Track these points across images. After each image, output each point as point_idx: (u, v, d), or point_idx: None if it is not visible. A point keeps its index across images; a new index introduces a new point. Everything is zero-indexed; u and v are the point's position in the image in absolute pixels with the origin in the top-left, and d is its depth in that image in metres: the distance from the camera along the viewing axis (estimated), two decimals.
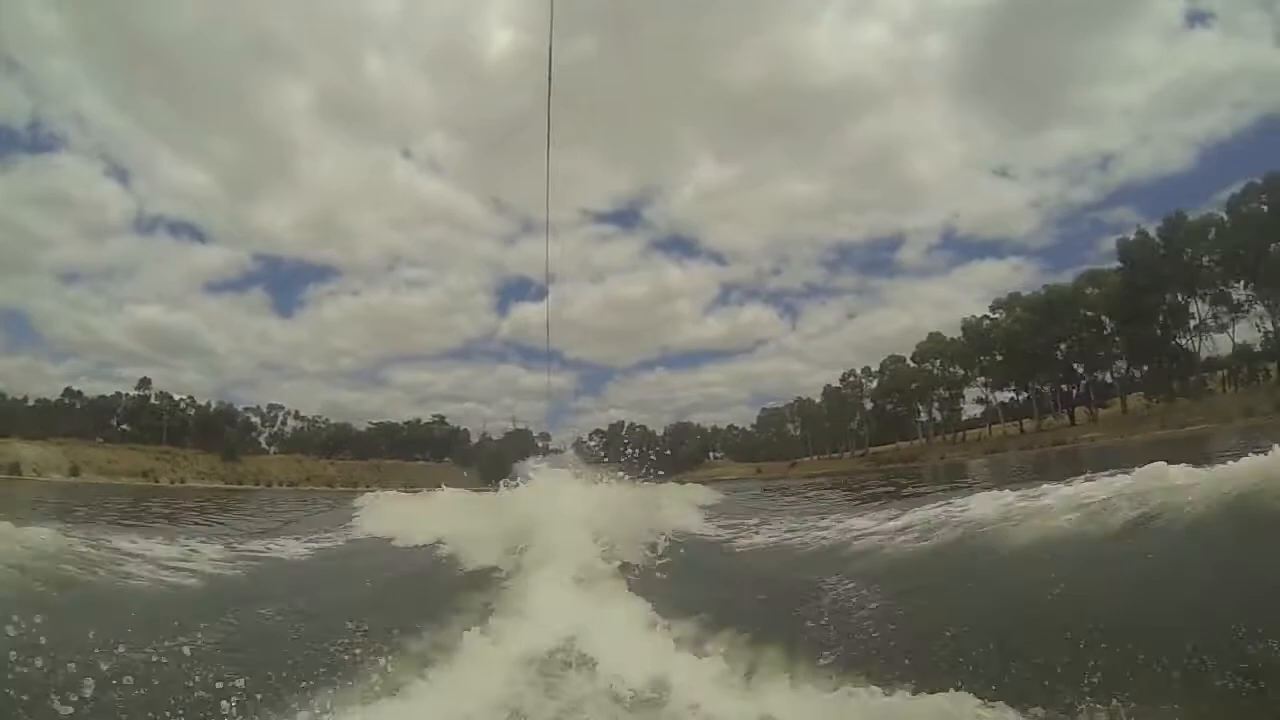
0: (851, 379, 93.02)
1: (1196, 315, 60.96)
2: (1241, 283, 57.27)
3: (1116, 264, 66.01)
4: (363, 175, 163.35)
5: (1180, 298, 59.90)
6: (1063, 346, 68.00)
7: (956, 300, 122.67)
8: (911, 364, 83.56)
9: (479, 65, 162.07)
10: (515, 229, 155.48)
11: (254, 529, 18.78)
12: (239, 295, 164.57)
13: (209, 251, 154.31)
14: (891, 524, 10.11)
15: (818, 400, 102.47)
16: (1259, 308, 58.15)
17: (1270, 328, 57.39)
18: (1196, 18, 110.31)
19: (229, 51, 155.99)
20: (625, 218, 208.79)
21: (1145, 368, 64.14)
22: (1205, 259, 57.44)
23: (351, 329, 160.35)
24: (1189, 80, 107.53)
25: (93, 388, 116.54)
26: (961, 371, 80.00)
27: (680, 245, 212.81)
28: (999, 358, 73.79)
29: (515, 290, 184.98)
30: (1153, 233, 61.75)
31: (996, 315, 74.53)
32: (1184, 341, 61.71)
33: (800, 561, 9.63)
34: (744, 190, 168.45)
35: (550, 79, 9.96)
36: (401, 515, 16.70)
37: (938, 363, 79.62)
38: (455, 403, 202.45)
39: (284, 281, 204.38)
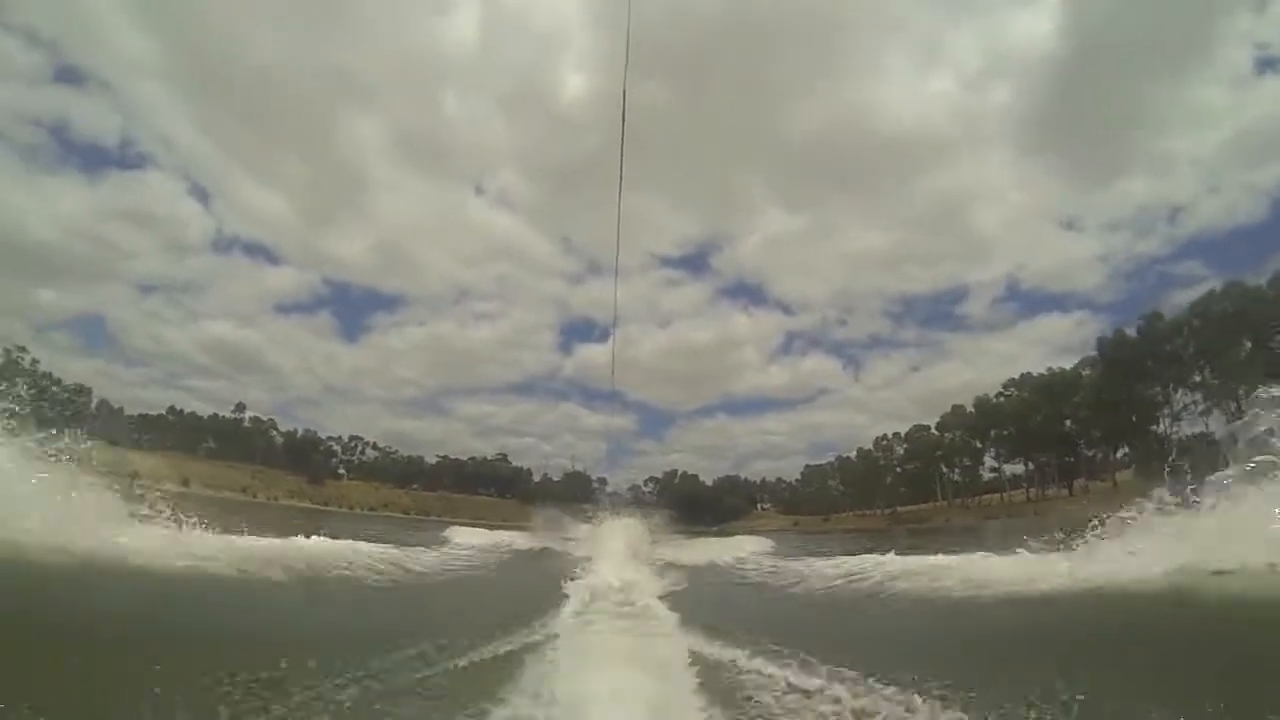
0: (884, 443, 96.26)
1: (1171, 405, 63.32)
2: (1206, 374, 59.79)
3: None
4: (435, 209, 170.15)
5: (1160, 389, 62.54)
6: (1068, 424, 70.01)
7: (1021, 355, 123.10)
8: (935, 433, 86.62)
9: (552, 106, 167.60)
10: (582, 269, 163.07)
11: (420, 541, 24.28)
12: (307, 317, 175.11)
13: (281, 273, 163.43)
14: (832, 567, 15.01)
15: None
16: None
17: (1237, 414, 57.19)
18: (1266, 64, 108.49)
19: (310, 84, 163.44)
20: (693, 263, 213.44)
21: (1124, 449, 66.66)
22: (1183, 350, 59.98)
23: (416, 358, 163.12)
24: (1259, 128, 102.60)
25: (163, 397, 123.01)
26: (979, 443, 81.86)
27: (747, 293, 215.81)
28: (1006, 433, 76.10)
29: (580, 330, 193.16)
30: (1134, 330, 64.21)
31: (1009, 393, 77.10)
32: (1160, 427, 63.97)
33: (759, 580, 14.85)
34: (811, 240, 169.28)
35: (624, 123, 11.16)
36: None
37: (958, 433, 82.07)
38: (515, 437, 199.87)
39: (352, 307, 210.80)
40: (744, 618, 9.10)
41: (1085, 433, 66.23)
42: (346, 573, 10.96)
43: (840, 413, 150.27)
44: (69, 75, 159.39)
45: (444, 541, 22.67)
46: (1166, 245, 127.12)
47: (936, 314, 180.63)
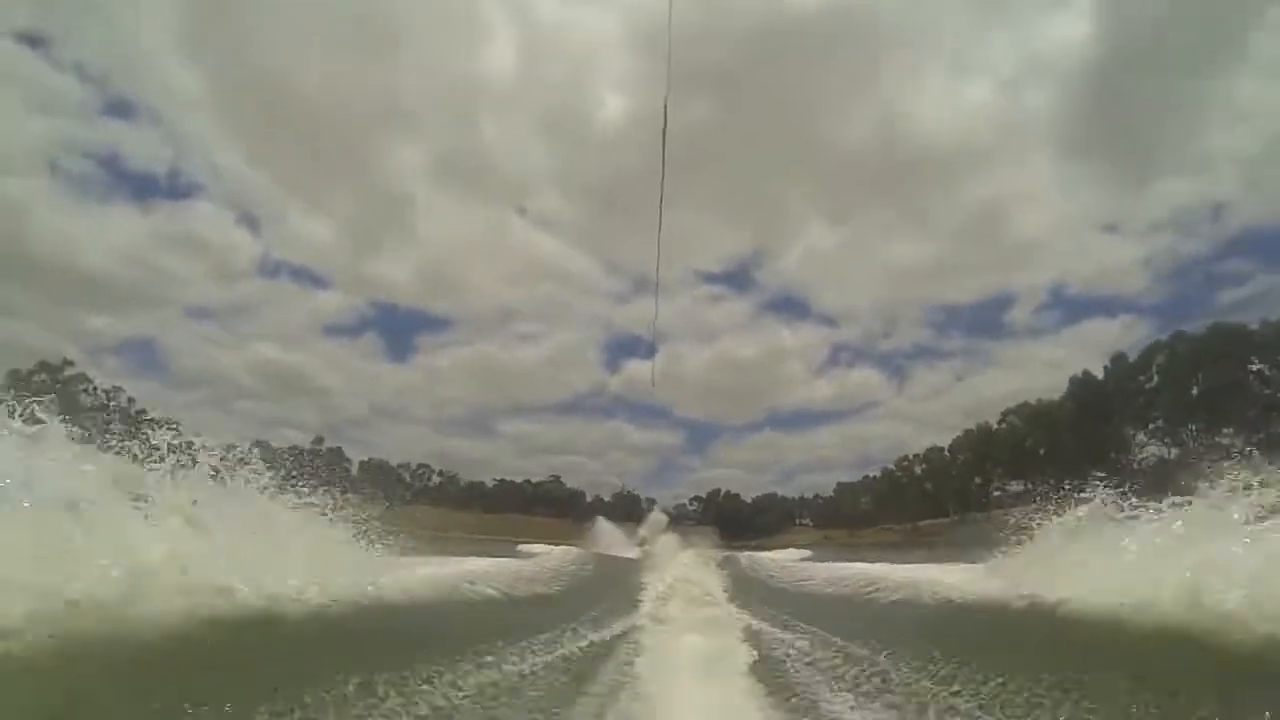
0: (904, 463, 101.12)
1: (1128, 440, 67.88)
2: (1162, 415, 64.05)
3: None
4: (478, 231, 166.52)
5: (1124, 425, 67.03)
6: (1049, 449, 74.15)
7: (1067, 361, 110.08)
8: (947, 454, 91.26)
9: (592, 127, 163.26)
10: (627, 287, 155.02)
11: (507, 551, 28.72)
12: (353, 339, 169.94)
13: (328, 297, 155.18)
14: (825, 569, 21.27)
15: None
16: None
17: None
18: None
19: (354, 113, 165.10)
20: (737, 278, 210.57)
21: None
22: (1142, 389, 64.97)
23: (462, 378, 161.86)
24: None
25: (213, 419, 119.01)
26: (986, 465, 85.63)
27: (791, 306, 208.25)
28: (1005, 456, 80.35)
29: (626, 347, 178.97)
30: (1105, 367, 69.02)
31: (1008, 420, 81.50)
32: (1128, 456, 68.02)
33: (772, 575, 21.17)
34: (853, 252, 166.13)
35: (664, 143, 11.81)
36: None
37: (967, 455, 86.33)
38: (561, 455, 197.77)
39: (398, 329, 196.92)
40: (762, 599, 14.46)
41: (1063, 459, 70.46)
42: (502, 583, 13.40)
43: (887, 424, 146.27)
44: (119, 109, 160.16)
45: (530, 555, 26.38)
46: (1210, 244, 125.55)
47: (980, 322, 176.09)
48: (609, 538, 58.18)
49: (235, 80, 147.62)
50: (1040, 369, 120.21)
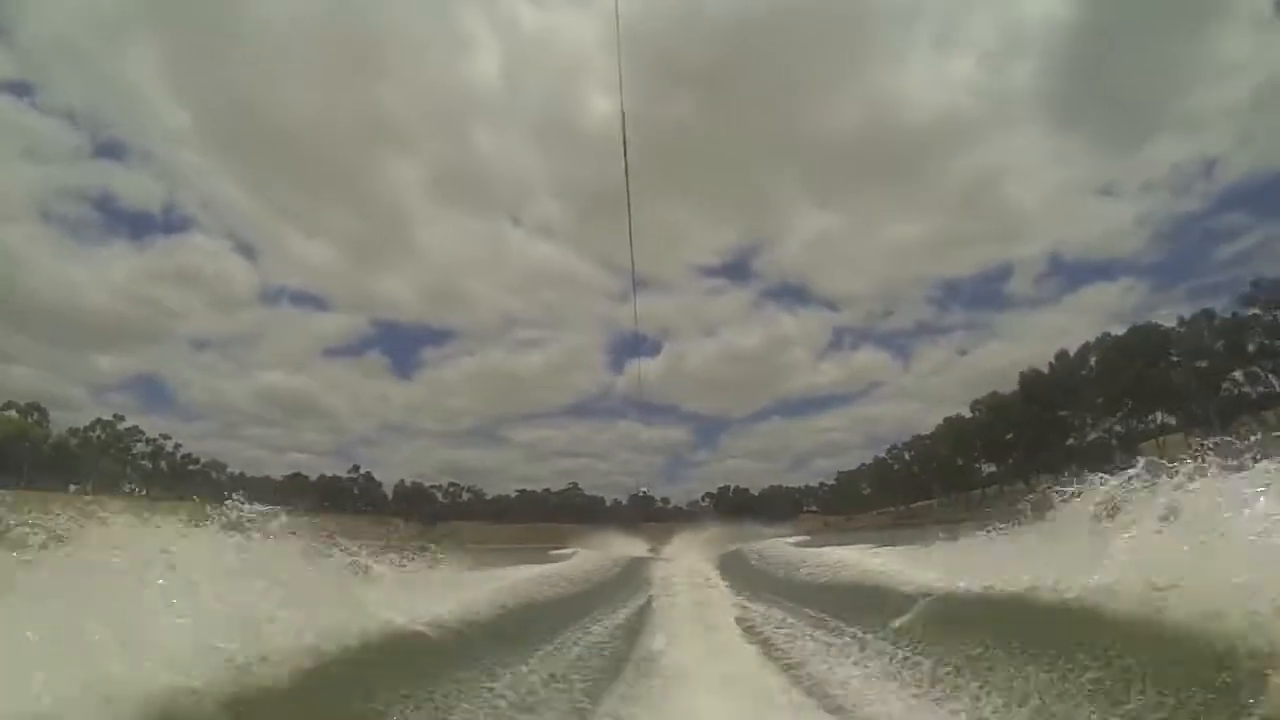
0: (894, 451, 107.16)
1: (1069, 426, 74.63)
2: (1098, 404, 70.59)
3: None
4: (476, 243, 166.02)
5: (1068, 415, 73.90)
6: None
7: (1070, 327, 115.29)
8: (929, 442, 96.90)
9: (581, 132, 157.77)
10: (626, 287, 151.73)
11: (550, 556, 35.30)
12: (357, 359, 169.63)
13: (329, 319, 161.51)
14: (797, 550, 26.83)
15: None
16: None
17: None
18: None
19: (344, 134, 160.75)
20: (734, 270, 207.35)
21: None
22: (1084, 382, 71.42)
23: (469, 389, 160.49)
24: None
25: (222, 448, 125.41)
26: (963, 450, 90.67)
27: (790, 293, 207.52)
28: (978, 443, 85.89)
29: (630, 347, 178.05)
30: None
31: (978, 410, 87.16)
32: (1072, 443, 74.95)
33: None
34: (849, 235, 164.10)
35: (625, 142, 12.69)
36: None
37: (948, 442, 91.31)
38: (573, 458, 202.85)
39: (402, 345, 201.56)
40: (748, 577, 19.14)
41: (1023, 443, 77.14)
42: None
43: (894, 403, 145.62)
44: (109, 149, 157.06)
45: (564, 559, 31.77)
46: (1205, 201, 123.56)
47: (981, 295, 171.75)
48: (625, 543, 63.51)
49: (223, 112, 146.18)
50: (1044, 337, 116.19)
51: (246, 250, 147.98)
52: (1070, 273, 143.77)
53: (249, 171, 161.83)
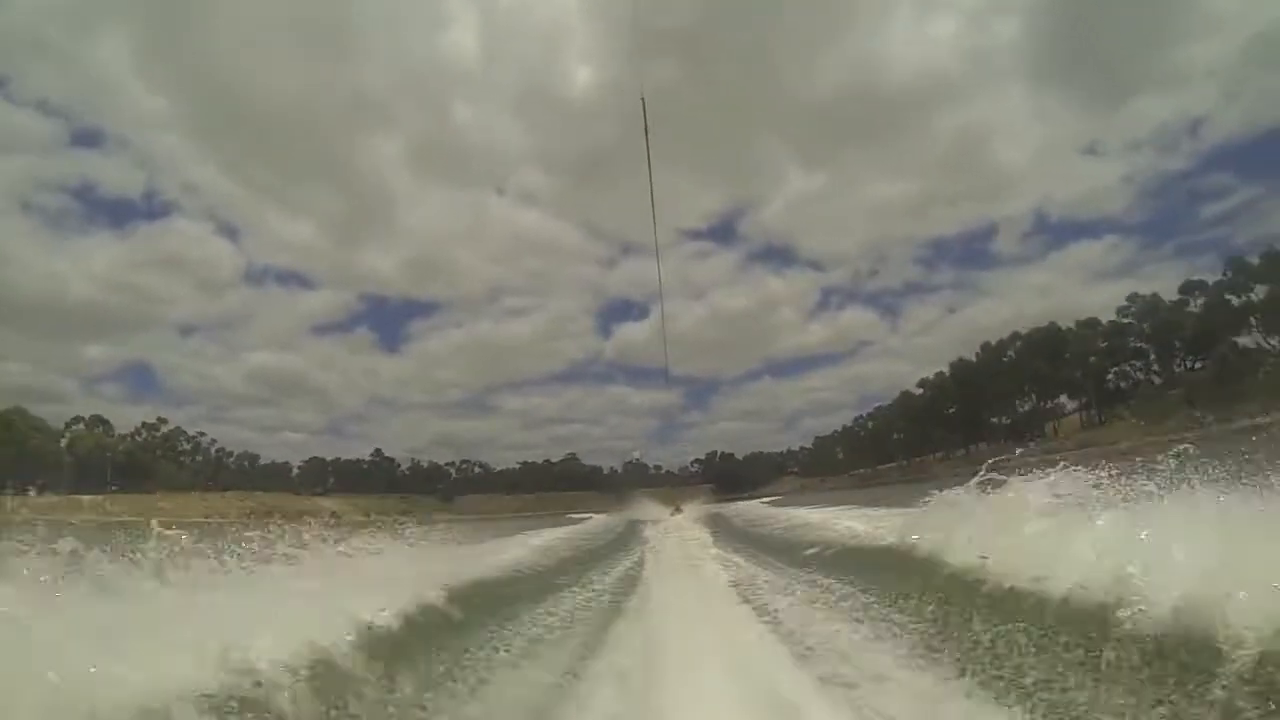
0: (859, 421, 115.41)
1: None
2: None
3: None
4: (460, 214, 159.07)
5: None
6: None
7: (1056, 284, 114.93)
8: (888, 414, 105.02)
9: (563, 100, 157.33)
10: (614, 252, 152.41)
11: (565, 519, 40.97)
12: (345, 335, 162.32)
13: (315, 296, 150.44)
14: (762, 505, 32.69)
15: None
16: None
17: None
18: None
19: (323, 112, 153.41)
20: (721, 233, 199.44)
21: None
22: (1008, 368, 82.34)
23: (458, 360, 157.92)
24: (1272, 29, 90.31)
25: (213, 432, 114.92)
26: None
27: (777, 255, 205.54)
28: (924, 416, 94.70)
29: (618, 312, 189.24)
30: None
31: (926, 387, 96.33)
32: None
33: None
34: (835, 196, 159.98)
35: (646, 131, 12.78)
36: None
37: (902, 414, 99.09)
38: (565, 425, 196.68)
39: (389, 319, 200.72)
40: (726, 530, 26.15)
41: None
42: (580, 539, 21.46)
43: (883, 362, 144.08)
44: (86, 138, 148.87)
45: (580, 522, 34.62)
46: (1191, 159, 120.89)
47: (968, 254, 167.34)
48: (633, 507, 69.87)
49: (200, 94, 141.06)
50: (1030, 295, 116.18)
51: (229, 232, 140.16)
52: (1056, 231, 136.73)
53: (229, 153, 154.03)
